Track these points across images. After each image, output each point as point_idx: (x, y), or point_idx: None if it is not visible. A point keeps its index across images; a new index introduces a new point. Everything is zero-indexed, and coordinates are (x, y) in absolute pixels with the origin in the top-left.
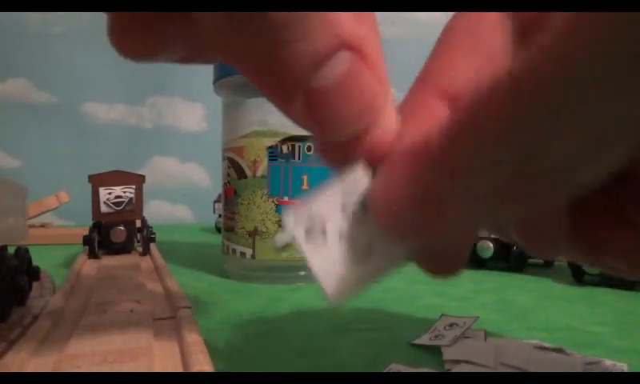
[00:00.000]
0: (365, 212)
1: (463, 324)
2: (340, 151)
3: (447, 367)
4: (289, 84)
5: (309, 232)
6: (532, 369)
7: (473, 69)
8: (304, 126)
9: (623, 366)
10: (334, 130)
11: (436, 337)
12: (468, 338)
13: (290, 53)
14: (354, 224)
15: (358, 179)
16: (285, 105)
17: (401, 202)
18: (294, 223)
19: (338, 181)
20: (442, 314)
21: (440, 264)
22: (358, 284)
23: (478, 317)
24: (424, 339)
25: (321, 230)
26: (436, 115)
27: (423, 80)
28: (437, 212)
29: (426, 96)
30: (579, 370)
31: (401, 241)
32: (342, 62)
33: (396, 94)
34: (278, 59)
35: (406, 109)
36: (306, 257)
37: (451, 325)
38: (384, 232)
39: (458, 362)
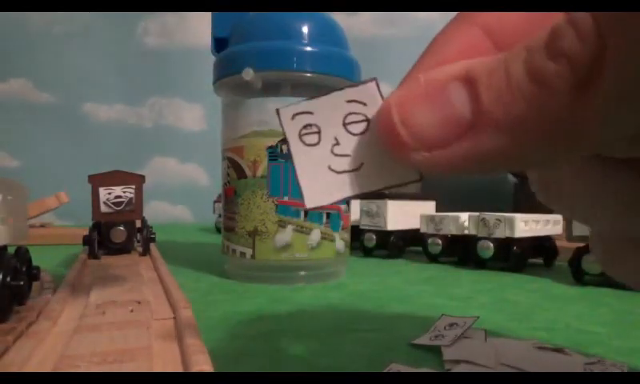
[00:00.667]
0: (367, 127)
1: (463, 324)
2: None
3: (447, 367)
4: None
5: (303, 130)
6: (532, 369)
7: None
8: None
9: (623, 366)
10: None
11: (436, 337)
12: (468, 338)
13: None
14: (351, 135)
15: (370, 93)
16: None
17: (427, 121)
18: (289, 118)
19: (347, 89)
20: (443, 314)
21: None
22: (337, 194)
23: (478, 317)
24: (424, 339)
25: (316, 130)
26: (479, 49)
27: (463, 16)
28: (463, 130)
29: (465, 26)
30: (579, 369)
31: (402, 162)
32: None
33: None
34: None
35: (442, 38)
36: (291, 154)
37: (451, 325)
38: (381, 152)
39: (458, 362)
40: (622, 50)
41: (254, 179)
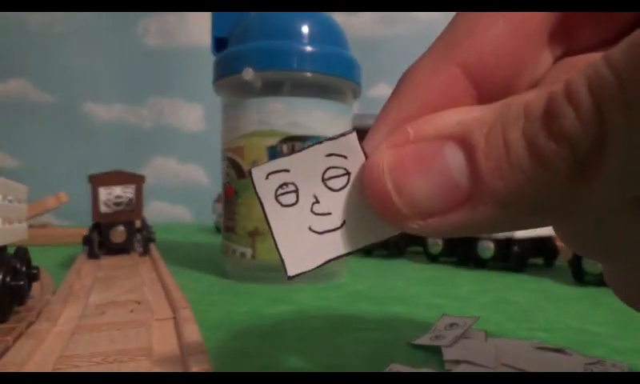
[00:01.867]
0: (347, 180)
1: (464, 324)
2: None
3: (447, 367)
4: None
5: (279, 190)
6: (532, 369)
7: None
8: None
9: (624, 366)
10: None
11: (436, 337)
12: (468, 338)
13: None
14: (331, 191)
15: (349, 146)
16: None
17: (423, 191)
18: (263, 178)
19: (325, 143)
20: (443, 314)
21: None
22: (320, 257)
23: (479, 317)
24: (424, 339)
25: (293, 189)
26: (459, 92)
27: (438, 53)
28: (460, 200)
29: (443, 66)
30: (579, 370)
31: (395, 228)
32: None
33: None
34: None
35: (420, 76)
36: (267, 218)
37: (452, 325)
38: (363, 207)
39: (458, 362)
40: (622, 133)
41: None
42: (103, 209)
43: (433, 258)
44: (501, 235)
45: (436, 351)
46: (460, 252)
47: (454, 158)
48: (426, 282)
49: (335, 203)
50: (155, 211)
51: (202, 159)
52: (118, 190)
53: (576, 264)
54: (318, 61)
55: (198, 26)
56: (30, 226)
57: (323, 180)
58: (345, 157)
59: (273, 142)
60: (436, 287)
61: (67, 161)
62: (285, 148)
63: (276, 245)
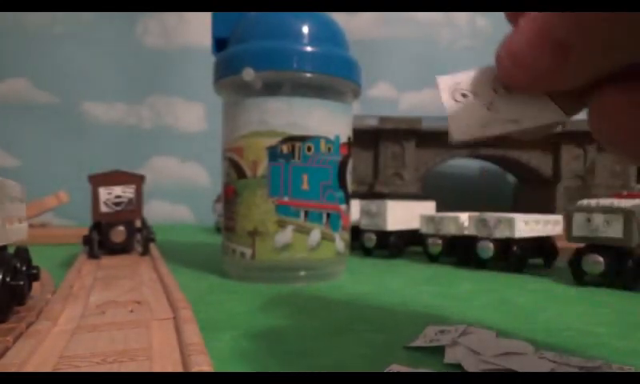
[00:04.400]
0: (498, 89)
1: (455, 330)
2: None
3: (449, 356)
4: None
5: (452, 93)
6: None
7: None
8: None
9: (631, 368)
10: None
11: (431, 341)
12: (470, 333)
13: None
14: (501, 98)
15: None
16: None
17: (528, 50)
18: (442, 85)
19: (487, 68)
20: (429, 324)
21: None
22: (475, 129)
23: (469, 324)
24: (419, 343)
25: (461, 94)
26: None
27: None
28: (563, 56)
29: None
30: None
31: (524, 91)
32: None
33: (396, 93)
34: None
35: None
36: (446, 108)
37: (442, 331)
38: (508, 94)
39: (459, 345)
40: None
41: (254, 179)
42: (103, 209)
43: (433, 258)
44: (501, 235)
45: (436, 351)
46: (460, 252)
47: (555, 23)
48: (425, 282)
49: (501, 103)
50: (155, 211)
51: (202, 159)
52: (118, 190)
53: (576, 264)
54: (318, 61)
55: (198, 26)
56: (30, 226)
57: (494, 89)
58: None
59: (273, 142)
60: (436, 287)
61: (67, 161)
62: (285, 148)
63: (448, 121)
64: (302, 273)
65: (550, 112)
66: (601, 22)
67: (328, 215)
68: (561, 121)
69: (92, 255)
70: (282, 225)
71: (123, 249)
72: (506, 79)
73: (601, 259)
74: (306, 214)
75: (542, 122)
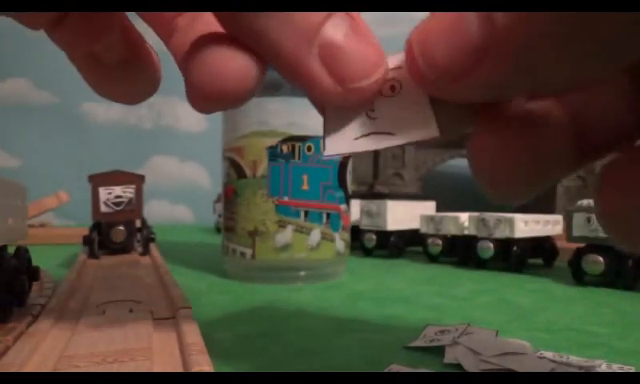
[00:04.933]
0: (399, 88)
1: (455, 330)
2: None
3: (448, 356)
4: (303, 38)
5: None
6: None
7: None
8: (324, 90)
9: (631, 368)
10: (352, 81)
11: (431, 341)
12: (470, 333)
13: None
14: (383, 99)
15: (404, 61)
16: (304, 59)
17: (441, 43)
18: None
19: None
20: (427, 325)
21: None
22: (347, 142)
23: (469, 324)
24: (419, 343)
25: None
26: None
27: None
28: (477, 57)
29: None
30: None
31: (427, 90)
32: (342, 19)
33: None
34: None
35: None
36: (325, 117)
37: (442, 331)
38: (392, 96)
39: (458, 345)
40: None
41: (254, 179)
42: (103, 209)
43: (433, 258)
44: (501, 235)
45: (435, 352)
46: (460, 252)
47: (470, 21)
48: (425, 282)
49: (385, 109)
50: (155, 211)
51: (202, 159)
52: (118, 190)
53: (576, 264)
54: None
55: None
56: (30, 226)
57: (380, 91)
58: (400, 68)
59: (272, 142)
60: (436, 287)
61: (67, 161)
62: (285, 148)
63: (324, 132)
64: (302, 273)
65: (428, 127)
66: (527, 24)
67: (328, 215)
68: (434, 138)
69: (92, 255)
70: (282, 225)
71: (123, 249)
72: (411, 72)
73: (601, 259)
74: (306, 213)
75: (416, 139)
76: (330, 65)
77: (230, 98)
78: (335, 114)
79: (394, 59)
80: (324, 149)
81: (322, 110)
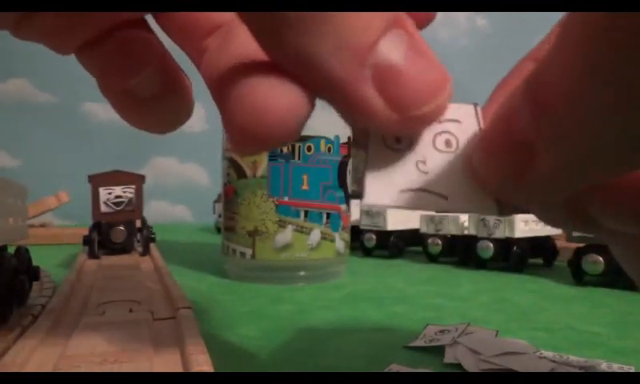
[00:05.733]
0: (456, 145)
1: (455, 330)
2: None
3: (448, 357)
4: (354, 59)
5: (389, 140)
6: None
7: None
8: (376, 118)
9: (631, 368)
10: (411, 108)
11: (431, 341)
12: (470, 333)
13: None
14: (437, 153)
15: (467, 113)
16: (353, 84)
17: (494, 144)
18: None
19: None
20: (427, 324)
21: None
22: (394, 194)
23: (469, 323)
24: (419, 343)
25: (395, 141)
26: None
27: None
28: (527, 159)
29: (522, 62)
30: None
31: (483, 186)
32: (400, 37)
33: None
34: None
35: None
36: (369, 156)
37: (442, 331)
38: (461, 174)
39: (459, 345)
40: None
41: (254, 179)
42: (103, 209)
43: (433, 258)
44: (501, 235)
45: (435, 352)
46: (460, 252)
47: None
48: (425, 282)
49: (437, 163)
50: (155, 211)
51: (202, 159)
52: (117, 190)
53: (576, 264)
54: None
55: None
56: (30, 226)
57: (433, 143)
58: (459, 122)
59: None
60: (436, 287)
61: (67, 161)
62: (285, 148)
63: (365, 172)
64: (302, 273)
65: (487, 203)
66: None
67: (328, 215)
68: (491, 215)
69: (92, 255)
70: (282, 225)
71: (123, 249)
72: (476, 171)
73: (601, 259)
74: (306, 213)
75: (472, 211)
76: (386, 89)
77: (280, 138)
78: (380, 154)
79: (452, 111)
80: (363, 193)
81: (364, 145)
